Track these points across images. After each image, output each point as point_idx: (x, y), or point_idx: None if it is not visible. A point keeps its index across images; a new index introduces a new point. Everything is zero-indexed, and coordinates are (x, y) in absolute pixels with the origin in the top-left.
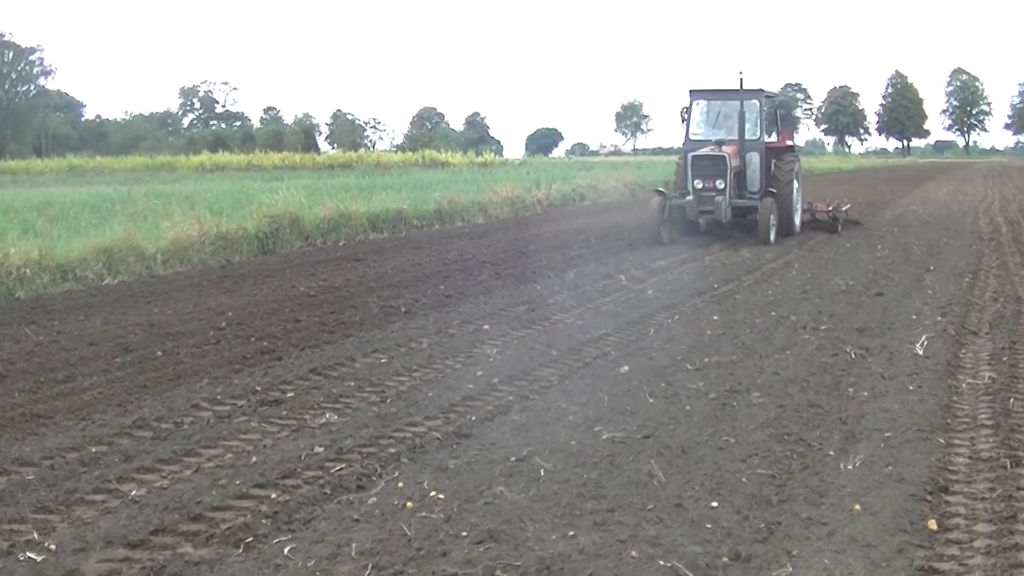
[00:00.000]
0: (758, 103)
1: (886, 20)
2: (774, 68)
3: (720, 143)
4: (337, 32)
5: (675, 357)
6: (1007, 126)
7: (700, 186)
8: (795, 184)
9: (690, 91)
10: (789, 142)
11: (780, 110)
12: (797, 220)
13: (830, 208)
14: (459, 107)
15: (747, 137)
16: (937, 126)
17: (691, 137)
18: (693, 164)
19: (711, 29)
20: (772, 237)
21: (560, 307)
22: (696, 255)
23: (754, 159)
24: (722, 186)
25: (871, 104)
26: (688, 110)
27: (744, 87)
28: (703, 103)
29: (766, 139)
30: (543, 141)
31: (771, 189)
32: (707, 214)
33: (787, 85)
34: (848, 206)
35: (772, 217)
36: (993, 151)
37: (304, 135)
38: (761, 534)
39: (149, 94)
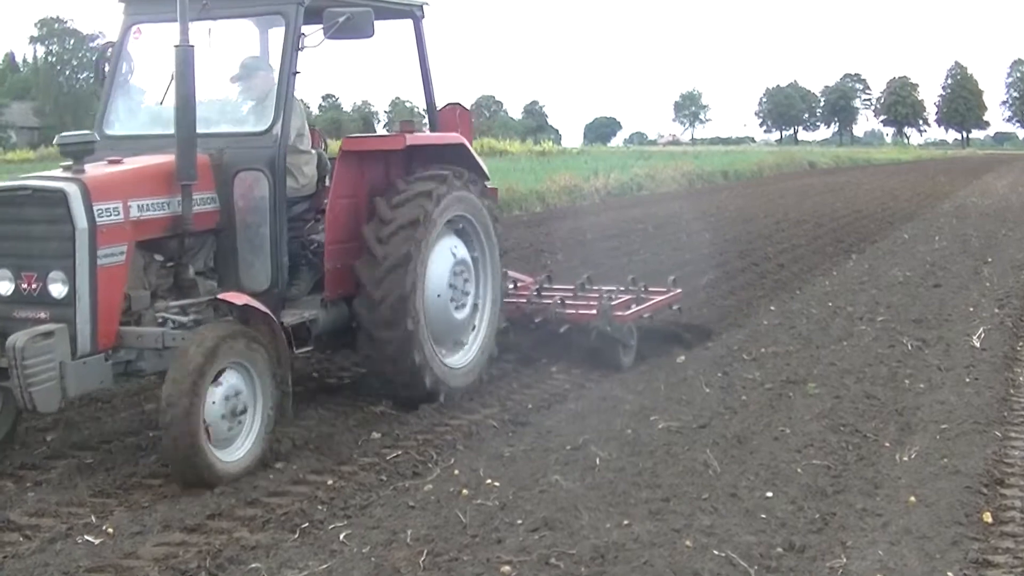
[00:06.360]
0: (290, 28)
1: (946, 10)
2: (833, 59)
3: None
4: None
5: (731, 347)
6: None
7: None
8: (414, 248)
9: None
10: (455, 138)
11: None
12: (477, 343)
13: (596, 301)
14: (517, 95)
15: (240, 128)
16: (997, 117)
17: (107, 128)
18: None
19: (768, 19)
20: (252, 454)
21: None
22: None
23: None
24: (34, 286)
25: (930, 95)
26: (117, 51)
27: None
28: (151, 30)
29: (318, 139)
30: (601, 130)
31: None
32: None
33: (846, 75)
34: (676, 292)
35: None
36: None
37: (363, 122)
38: (816, 525)
39: None
